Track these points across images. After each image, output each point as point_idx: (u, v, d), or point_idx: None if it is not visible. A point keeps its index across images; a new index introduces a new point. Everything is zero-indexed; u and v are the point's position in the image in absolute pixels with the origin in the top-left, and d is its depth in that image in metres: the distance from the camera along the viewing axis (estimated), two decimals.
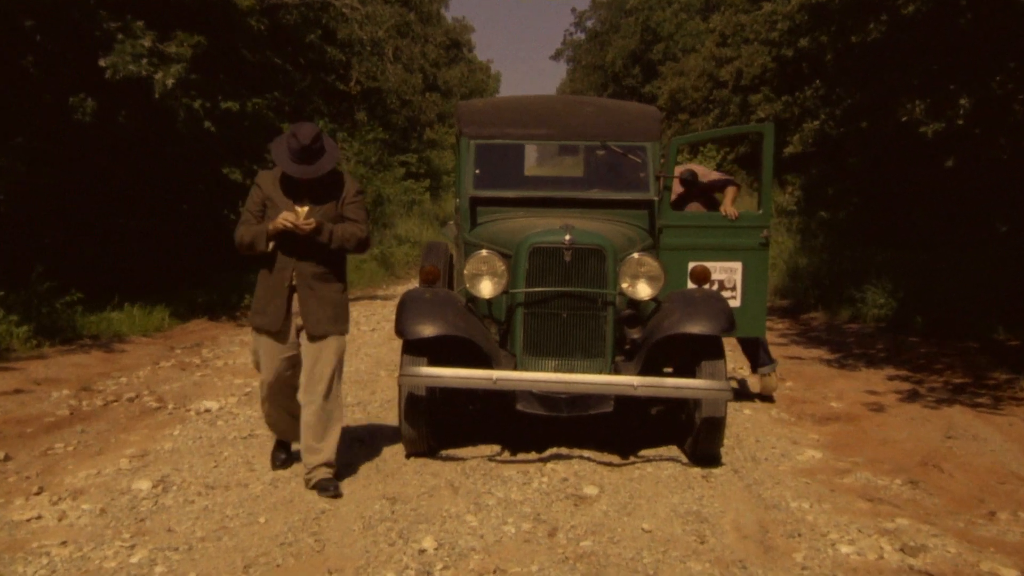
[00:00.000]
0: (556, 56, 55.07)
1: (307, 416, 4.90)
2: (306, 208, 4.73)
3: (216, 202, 13.04)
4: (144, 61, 9.83)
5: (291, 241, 4.75)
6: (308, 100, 16.62)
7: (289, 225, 4.67)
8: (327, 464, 4.92)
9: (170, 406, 6.99)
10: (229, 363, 8.82)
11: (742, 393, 7.33)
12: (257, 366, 5.06)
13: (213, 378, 8.09)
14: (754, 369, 7.17)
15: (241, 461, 5.53)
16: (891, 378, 8.03)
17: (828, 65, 13.68)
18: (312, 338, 4.86)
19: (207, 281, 12.38)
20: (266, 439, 5.99)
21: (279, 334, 4.90)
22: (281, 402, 5.11)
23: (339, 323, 4.92)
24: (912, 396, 7.30)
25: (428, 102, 29.47)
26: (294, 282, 4.83)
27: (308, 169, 4.72)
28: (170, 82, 9.95)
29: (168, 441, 6.00)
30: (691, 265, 6.03)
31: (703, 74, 27.38)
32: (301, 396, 4.91)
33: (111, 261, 11.54)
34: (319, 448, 4.91)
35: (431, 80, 31.89)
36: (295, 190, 4.81)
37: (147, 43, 9.91)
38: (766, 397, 7.16)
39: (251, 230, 4.81)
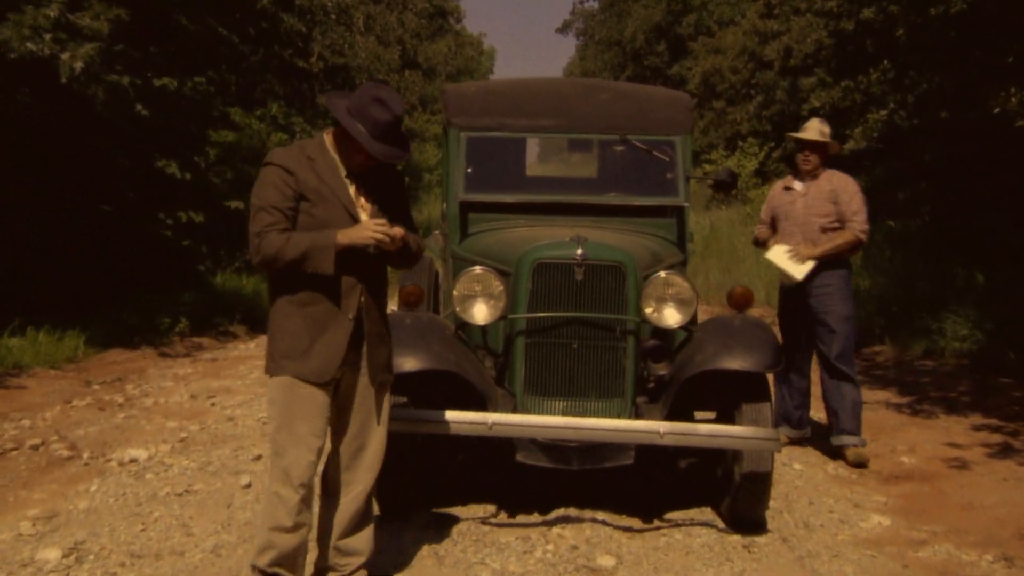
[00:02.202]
0: (563, 29, 55.26)
1: (346, 503, 4.41)
2: (368, 203, 4.29)
3: (146, 202, 13.06)
4: (48, 37, 9.70)
5: (355, 255, 4.17)
6: (259, 78, 16.71)
7: (385, 239, 4.13)
8: (366, 564, 4.52)
9: (85, 455, 7.00)
10: (160, 401, 8.84)
11: (796, 443, 7.36)
12: (276, 449, 4.23)
13: (140, 420, 8.10)
14: (834, 429, 7.09)
15: (175, 523, 5.54)
16: (977, 428, 8.05)
17: (899, 42, 13.77)
18: (368, 390, 4.38)
19: (132, 300, 12.39)
20: (207, 496, 6.01)
21: (326, 390, 4.25)
22: (302, 507, 4.25)
23: (391, 368, 4.53)
24: (1004, 451, 7.32)
25: (407, 83, 29.63)
26: (362, 312, 4.28)
27: (396, 153, 4.19)
28: (79, 65, 9.83)
29: (83, 499, 6.00)
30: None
31: (743, 52, 27.60)
32: (344, 475, 4.40)
33: (9, 275, 11.53)
34: (358, 547, 4.46)
35: (410, 56, 32.07)
36: (347, 176, 4.27)
37: (52, 13, 9.77)
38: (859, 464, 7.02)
39: (301, 240, 4.07)
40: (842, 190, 6.96)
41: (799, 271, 6.84)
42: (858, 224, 6.89)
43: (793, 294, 7.07)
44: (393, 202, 4.38)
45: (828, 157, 7.16)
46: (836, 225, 6.93)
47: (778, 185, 7.44)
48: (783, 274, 7.00)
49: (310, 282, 4.13)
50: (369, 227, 4.10)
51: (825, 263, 6.90)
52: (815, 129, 7.09)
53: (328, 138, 4.29)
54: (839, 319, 6.94)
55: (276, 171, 4.15)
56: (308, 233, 4.09)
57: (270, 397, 4.29)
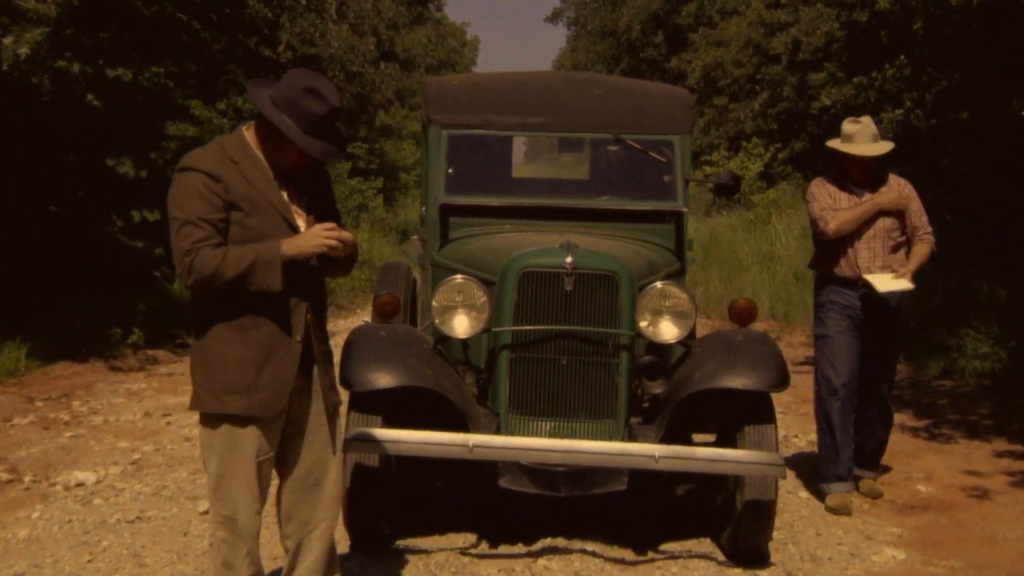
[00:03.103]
0: (553, 18, 55.46)
1: (310, 543, 4.28)
2: (303, 208, 4.15)
3: (97, 202, 13.03)
4: None
5: (298, 268, 4.01)
6: (222, 69, 16.68)
7: (338, 245, 3.99)
8: None
9: (27, 479, 6.98)
10: (111, 420, 8.81)
11: (799, 469, 7.38)
12: (217, 495, 4.06)
13: (88, 440, 8.08)
14: (867, 464, 6.92)
15: (127, 553, 5.53)
16: (999, 454, 8.09)
17: (917, 35, 13.86)
18: (320, 416, 4.25)
19: (80, 308, 12.35)
20: (161, 523, 6.00)
21: (273, 423, 4.10)
22: (255, 555, 4.18)
23: (337, 388, 4.42)
24: None
25: (383, 75, 29.63)
26: (309, 332, 4.13)
27: (333, 150, 4.04)
28: (23, 51, 9.82)
29: (23, 526, 5.99)
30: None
31: (748, 45, 27.69)
32: (301, 513, 4.25)
33: None
34: None
35: (387, 46, 32.07)
36: (276, 178, 4.10)
37: None
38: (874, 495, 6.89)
39: (242, 256, 3.88)
40: (912, 198, 6.64)
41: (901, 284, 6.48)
42: (931, 236, 6.65)
43: (854, 311, 6.57)
44: (324, 203, 4.25)
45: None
46: (902, 239, 6.63)
47: (822, 184, 6.74)
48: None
49: (251, 303, 3.95)
50: (318, 234, 3.95)
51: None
52: (868, 136, 6.58)
53: (249, 134, 4.09)
54: (896, 348, 6.85)
55: (200, 177, 3.90)
56: (248, 247, 3.89)
57: (207, 440, 4.06)
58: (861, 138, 6.57)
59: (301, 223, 4.08)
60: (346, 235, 4.01)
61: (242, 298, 3.93)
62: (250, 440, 4.01)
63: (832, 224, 6.52)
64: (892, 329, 6.68)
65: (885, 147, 6.60)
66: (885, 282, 6.43)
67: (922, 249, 6.61)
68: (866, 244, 6.54)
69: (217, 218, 3.89)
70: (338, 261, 4.13)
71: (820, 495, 6.70)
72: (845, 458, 6.59)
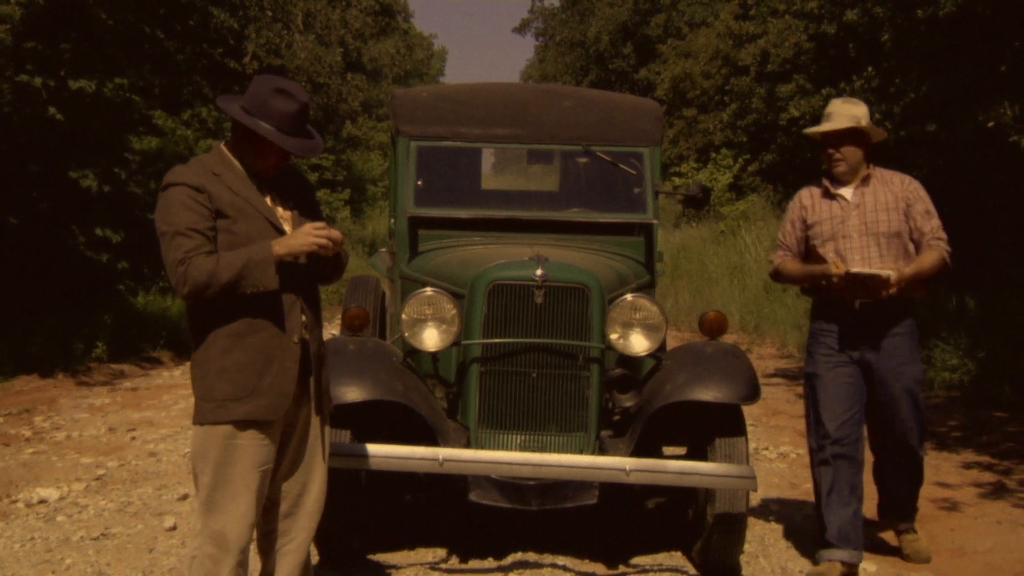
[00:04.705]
0: (521, 29, 55.53)
1: (286, 555, 4.28)
2: (288, 212, 4.23)
3: (60, 214, 12.95)
4: None
5: (290, 270, 4.08)
6: (187, 80, 16.63)
7: (328, 243, 4.05)
8: None
9: None
10: (74, 435, 8.76)
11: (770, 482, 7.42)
12: (209, 507, 4.03)
13: (51, 456, 8.03)
14: (892, 517, 6.08)
15: (91, 570, 5.50)
16: (968, 466, 8.16)
17: (884, 47, 13.99)
18: (311, 422, 4.27)
19: (41, 323, 12.28)
20: (126, 539, 5.97)
21: (272, 431, 4.11)
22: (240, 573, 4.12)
23: (331, 395, 4.47)
24: (998, 491, 7.42)
25: (350, 86, 29.63)
26: (305, 333, 4.20)
27: (309, 144, 4.16)
28: None
29: None
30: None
31: (717, 56, 27.82)
32: (282, 522, 4.26)
33: None
34: None
35: (354, 57, 32.08)
36: (258, 187, 4.18)
37: None
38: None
39: (234, 259, 3.93)
40: (915, 198, 5.65)
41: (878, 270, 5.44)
42: (944, 243, 5.58)
43: (853, 342, 5.60)
44: (308, 208, 4.32)
45: (871, 149, 5.76)
46: (910, 245, 5.66)
47: (808, 192, 5.82)
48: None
49: (246, 308, 3.99)
50: (309, 232, 4.01)
51: (891, 304, 5.57)
52: (843, 115, 5.62)
53: (226, 149, 4.18)
54: (916, 384, 5.66)
55: (184, 191, 3.97)
56: (240, 250, 3.95)
57: (202, 451, 4.02)
58: (831, 119, 5.66)
59: (287, 227, 4.14)
60: (335, 233, 4.07)
61: (237, 305, 3.98)
62: (249, 449, 4.01)
63: (773, 276, 6.03)
64: (889, 367, 5.60)
65: (842, 121, 5.59)
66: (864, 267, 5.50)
67: (927, 256, 5.53)
68: (859, 251, 5.56)
69: (206, 227, 3.96)
70: (328, 262, 4.18)
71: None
72: (836, 523, 5.49)
